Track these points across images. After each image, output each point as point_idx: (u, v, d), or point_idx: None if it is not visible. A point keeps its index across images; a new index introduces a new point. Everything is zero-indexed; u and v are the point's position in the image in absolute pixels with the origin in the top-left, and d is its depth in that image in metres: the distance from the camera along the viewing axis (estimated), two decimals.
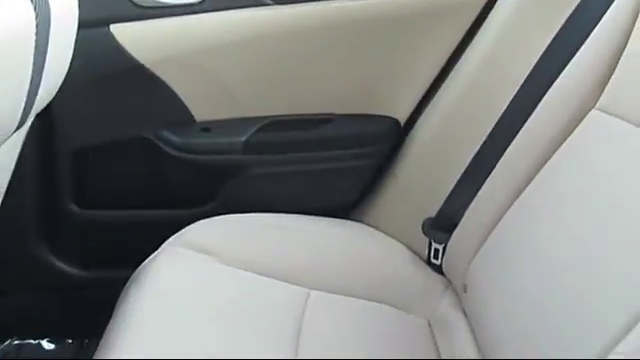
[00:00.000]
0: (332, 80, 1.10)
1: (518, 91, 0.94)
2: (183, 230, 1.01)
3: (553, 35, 0.92)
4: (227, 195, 1.12)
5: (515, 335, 0.77)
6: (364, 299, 0.97)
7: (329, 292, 0.97)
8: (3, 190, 0.92)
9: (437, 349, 0.92)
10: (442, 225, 1.02)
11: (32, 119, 0.76)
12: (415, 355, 0.91)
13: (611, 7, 0.84)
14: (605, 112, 0.80)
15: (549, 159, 0.84)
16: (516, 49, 0.98)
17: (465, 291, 0.92)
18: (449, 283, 1.00)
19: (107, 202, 1.15)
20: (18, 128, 0.68)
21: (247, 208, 1.07)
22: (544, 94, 0.88)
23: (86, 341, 1.22)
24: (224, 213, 1.06)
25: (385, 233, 1.10)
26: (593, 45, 0.84)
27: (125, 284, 0.96)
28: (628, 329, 0.61)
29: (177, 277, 0.93)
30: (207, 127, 1.10)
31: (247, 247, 0.99)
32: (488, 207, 0.91)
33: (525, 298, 0.77)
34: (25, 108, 0.66)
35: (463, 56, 1.05)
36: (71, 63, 0.83)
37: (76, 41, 0.83)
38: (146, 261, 0.97)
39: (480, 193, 0.95)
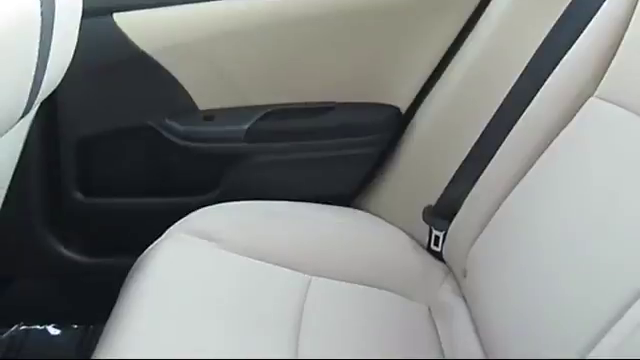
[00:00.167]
0: (333, 69, 1.10)
1: (518, 79, 0.95)
2: (186, 217, 1.02)
3: (552, 24, 0.92)
4: (230, 183, 1.13)
5: (514, 320, 0.78)
6: (365, 285, 0.98)
7: (330, 278, 0.98)
8: (9, 177, 0.94)
9: (437, 334, 0.93)
10: (442, 212, 1.03)
11: (37, 107, 0.77)
12: (416, 340, 0.92)
13: None
14: (604, 99, 0.80)
15: (548, 146, 0.85)
16: (516, 38, 0.98)
17: (465, 277, 0.93)
18: (449, 270, 1.01)
19: (111, 190, 1.16)
20: (24, 115, 0.69)
21: (249, 195, 1.08)
22: (543, 82, 0.88)
23: (91, 326, 1.24)
24: (227, 200, 1.07)
25: (386, 220, 1.11)
26: (592, 33, 0.84)
27: (129, 270, 0.97)
28: (627, 307, 0.62)
29: (180, 263, 0.94)
30: (210, 115, 1.10)
31: (249, 234, 1.00)
32: (488, 194, 0.92)
33: (524, 284, 0.78)
34: (30, 95, 0.66)
35: (463, 45, 1.05)
36: (75, 52, 0.83)
37: (80, 30, 0.84)
38: (150, 247, 0.98)
39: (480, 181, 0.95)
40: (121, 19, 1.04)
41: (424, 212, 1.06)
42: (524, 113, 0.90)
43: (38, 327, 1.25)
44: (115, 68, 1.06)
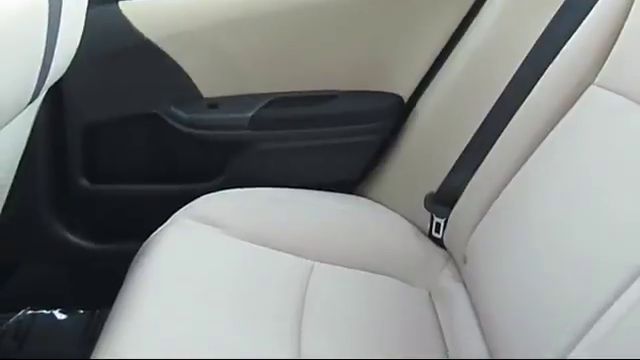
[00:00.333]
0: (336, 57, 1.11)
1: (519, 68, 0.95)
2: (191, 203, 1.03)
3: (553, 13, 0.93)
4: (234, 170, 1.14)
5: (512, 305, 0.79)
6: (367, 271, 0.99)
7: (333, 264, 0.99)
8: (17, 162, 0.95)
9: (437, 319, 0.94)
10: (443, 200, 1.03)
11: (44, 93, 0.78)
12: (416, 324, 0.93)
13: None
14: (604, 87, 0.81)
15: (548, 134, 0.86)
16: (517, 26, 0.99)
17: (465, 263, 0.94)
18: (450, 256, 1.02)
19: (117, 177, 1.17)
20: (32, 101, 0.70)
21: (253, 182, 1.08)
22: (544, 71, 0.89)
23: (97, 311, 1.25)
24: (231, 187, 1.08)
25: (388, 207, 1.12)
26: (593, 22, 0.85)
27: (135, 256, 0.98)
28: (626, 287, 0.64)
29: (185, 248, 0.95)
30: (214, 103, 1.11)
31: (253, 220, 1.01)
32: (488, 182, 0.93)
33: (523, 269, 0.79)
34: (38, 81, 0.67)
35: (465, 34, 1.06)
36: (81, 39, 0.84)
37: (86, 18, 0.85)
38: (155, 233, 0.99)
39: (480, 168, 0.96)
40: (126, 7, 1.05)
41: (425, 199, 1.06)
42: (525, 101, 0.91)
43: (45, 312, 1.27)
44: (120, 56, 1.07)
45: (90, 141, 1.13)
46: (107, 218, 1.19)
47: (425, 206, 1.06)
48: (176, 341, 0.79)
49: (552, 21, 0.93)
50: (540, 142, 0.86)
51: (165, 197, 1.13)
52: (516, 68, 0.96)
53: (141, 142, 1.15)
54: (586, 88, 0.83)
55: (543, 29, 0.94)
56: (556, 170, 0.82)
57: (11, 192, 1.00)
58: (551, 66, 0.89)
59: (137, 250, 0.99)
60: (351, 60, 1.11)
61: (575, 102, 0.84)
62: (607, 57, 0.82)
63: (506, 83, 0.97)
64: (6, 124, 0.67)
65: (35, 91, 0.69)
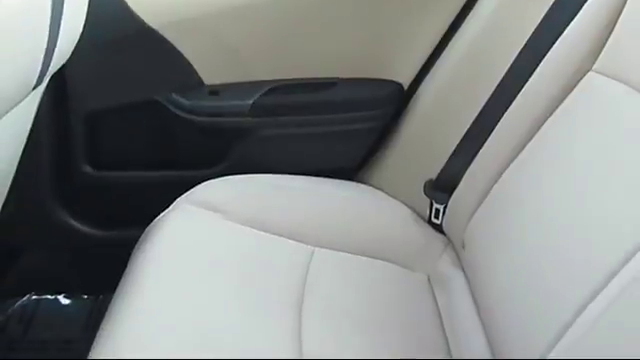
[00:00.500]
0: (337, 45, 1.11)
1: (518, 55, 0.95)
2: (193, 189, 1.04)
3: (552, 0, 0.93)
4: (235, 156, 1.15)
5: (510, 289, 0.80)
6: (367, 256, 1.00)
7: (333, 250, 1.00)
8: (21, 150, 0.96)
9: (436, 304, 0.96)
10: (443, 186, 1.04)
11: (48, 79, 0.79)
12: (415, 309, 0.94)
13: None
14: (602, 74, 0.81)
15: (546, 121, 0.86)
16: (516, 14, 0.99)
17: (463, 248, 0.95)
18: (449, 241, 1.03)
19: (120, 163, 1.18)
20: (36, 86, 0.71)
21: (254, 169, 1.09)
22: (543, 57, 0.90)
23: (101, 296, 1.27)
24: (232, 174, 1.08)
25: (388, 194, 1.13)
26: (591, 8, 0.85)
27: (137, 242, 0.99)
28: (623, 265, 0.64)
29: (187, 233, 0.96)
30: (216, 90, 1.12)
31: (254, 206, 1.02)
32: (487, 168, 0.94)
33: (520, 255, 0.80)
34: (42, 67, 0.68)
35: (465, 21, 1.06)
36: (84, 26, 0.85)
37: (88, 5, 0.85)
38: (157, 218, 1.00)
39: (479, 155, 0.97)
40: None
41: (425, 186, 1.07)
42: (523, 88, 0.92)
43: (49, 297, 1.28)
44: (122, 43, 1.08)
45: (93, 128, 1.14)
46: (110, 204, 1.20)
47: (425, 192, 1.07)
48: (178, 325, 0.80)
49: (550, 8, 0.93)
50: (538, 129, 0.87)
51: (167, 184, 1.15)
52: (515, 55, 0.96)
53: (143, 129, 1.16)
54: (584, 75, 0.83)
55: (542, 16, 0.94)
56: (555, 155, 0.83)
57: (15, 179, 1.01)
58: (549, 53, 0.89)
59: (140, 236, 1.00)
60: (351, 48, 1.12)
61: (573, 89, 0.84)
62: (605, 44, 0.82)
63: (505, 70, 0.97)
64: (11, 109, 0.68)
65: (39, 77, 0.70)
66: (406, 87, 1.14)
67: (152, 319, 0.81)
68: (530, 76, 0.91)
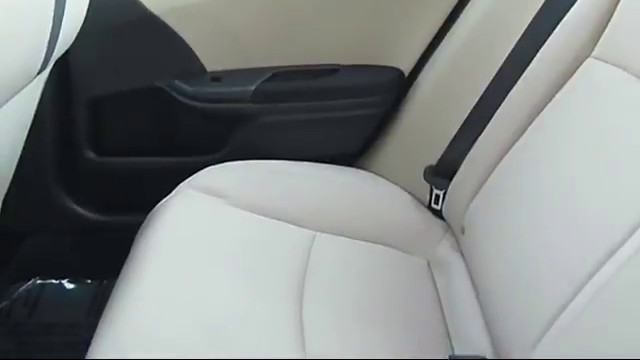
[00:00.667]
0: (338, 32, 1.12)
1: (518, 41, 0.96)
2: (195, 175, 1.04)
3: None
4: (237, 142, 1.16)
5: (508, 273, 0.81)
6: (367, 241, 1.01)
7: (334, 234, 1.01)
8: (25, 136, 0.96)
9: (436, 288, 0.97)
10: (443, 172, 1.05)
11: (52, 64, 0.80)
12: (415, 293, 0.95)
13: None
14: (600, 60, 0.82)
15: (546, 106, 0.87)
16: (516, 0, 1.00)
17: (463, 233, 0.96)
18: (448, 227, 1.04)
19: (122, 149, 1.19)
20: (41, 71, 0.72)
21: (256, 155, 1.10)
22: (542, 44, 0.90)
23: (104, 281, 1.28)
24: (234, 159, 1.09)
25: (388, 180, 1.13)
26: None
27: (140, 227, 1.00)
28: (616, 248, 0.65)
29: (190, 218, 0.97)
30: (217, 77, 1.12)
31: (256, 191, 1.03)
32: (486, 154, 0.94)
33: (518, 239, 0.81)
34: (47, 51, 0.69)
35: (466, 8, 1.07)
36: (87, 12, 0.86)
37: None
38: (160, 203, 1.01)
39: (479, 141, 0.97)
40: None
41: (425, 172, 1.08)
42: (523, 75, 0.92)
43: (53, 281, 1.30)
44: (124, 29, 1.08)
45: (96, 114, 1.15)
46: (113, 190, 1.21)
47: (425, 178, 1.08)
48: (180, 310, 0.81)
49: None
50: (537, 115, 0.87)
51: (169, 169, 1.15)
52: (515, 42, 0.97)
53: (146, 115, 1.17)
54: (583, 61, 0.84)
55: (541, 3, 0.94)
56: (550, 143, 0.84)
57: (19, 164, 1.02)
58: (549, 39, 0.89)
59: (142, 221, 1.01)
60: (352, 34, 1.12)
61: (572, 75, 0.85)
62: (604, 30, 0.83)
63: (505, 57, 0.98)
64: (16, 93, 0.69)
65: (43, 62, 0.71)
66: (407, 73, 1.14)
67: (154, 305, 0.82)
68: (530, 63, 0.91)
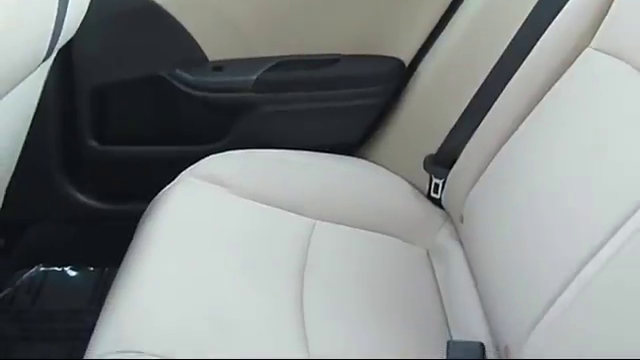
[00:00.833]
0: (339, 21, 1.12)
1: (517, 31, 0.96)
2: (197, 163, 1.05)
3: None
4: (238, 131, 1.16)
5: (506, 261, 0.82)
6: (367, 230, 1.02)
7: (334, 223, 1.01)
8: (28, 123, 0.97)
9: (434, 276, 0.97)
10: (442, 161, 1.06)
11: (56, 52, 0.80)
12: (414, 281, 0.96)
13: None
14: (599, 50, 0.82)
15: (545, 96, 0.87)
16: None
17: (462, 222, 0.97)
18: (447, 216, 1.04)
19: (125, 138, 1.19)
20: (46, 58, 0.72)
21: (257, 144, 1.10)
22: (542, 34, 0.91)
23: (107, 269, 1.29)
24: (235, 148, 1.10)
25: (388, 169, 1.14)
26: None
27: (142, 215, 1.01)
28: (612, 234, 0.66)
29: (191, 206, 0.98)
30: (219, 66, 1.13)
31: (257, 180, 1.03)
32: (486, 143, 0.95)
33: (517, 227, 0.82)
34: (52, 40, 0.70)
35: None
36: (90, 1, 0.86)
37: None
38: (162, 191, 1.02)
39: (478, 130, 0.98)
40: None
41: (425, 161, 1.08)
42: (522, 65, 0.93)
43: (56, 269, 1.31)
44: (127, 18, 1.09)
45: (99, 103, 1.16)
46: (116, 178, 1.22)
47: (424, 167, 1.08)
48: (182, 296, 0.82)
49: None
50: (536, 104, 0.88)
51: (171, 158, 1.16)
52: (515, 32, 0.97)
53: (148, 104, 1.18)
54: (582, 51, 0.84)
55: None
56: (549, 132, 0.84)
57: (23, 153, 1.02)
58: (548, 30, 0.90)
59: (144, 209, 1.01)
60: (353, 24, 1.13)
61: (571, 66, 0.85)
62: (603, 21, 0.83)
63: (505, 46, 0.98)
64: (21, 81, 0.69)
65: (49, 49, 0.71)
66: (407, 63, 1.15)
67: (156, 292, 0.82)
68: (529, 53, 0.92)
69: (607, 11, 0.83)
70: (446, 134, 1.06)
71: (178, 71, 1.13)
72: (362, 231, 1.01)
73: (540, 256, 0.75)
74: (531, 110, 0.89)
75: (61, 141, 1.18)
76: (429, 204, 1.08)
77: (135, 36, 1.11)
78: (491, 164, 0.93)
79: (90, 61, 1.12)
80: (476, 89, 1.02)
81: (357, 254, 0.98)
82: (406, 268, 0.98)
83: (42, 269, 1.30)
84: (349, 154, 1.18)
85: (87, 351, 0.75)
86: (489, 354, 0.78)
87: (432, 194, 1.08)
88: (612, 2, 0.83)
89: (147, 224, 0.95)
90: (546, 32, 0.90)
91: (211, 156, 1.07)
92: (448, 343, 0.79)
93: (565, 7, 0.89)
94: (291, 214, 1.01)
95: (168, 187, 1.02)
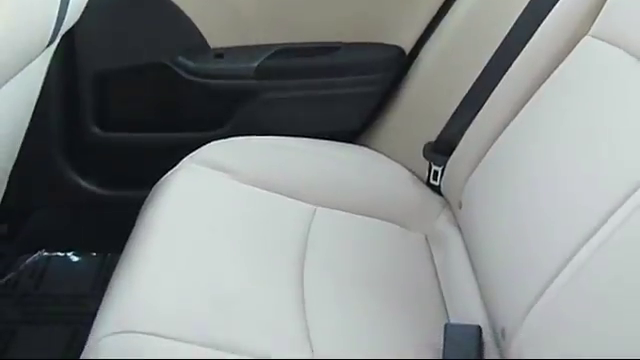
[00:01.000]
0: (340, 9, 1.13)
1: (517, 19, 0.97)
2: (199, 150, 1.06)
3: None
4: (239, 118, 1.17)
5: (504, 246, 0.83)
6: (366, 216, 1.02)
7: (334, 209, 1.02)
8: (32, 109, 0.98)
9: (433, 262, 0.98)
10: (441, 148, 1.06)
11: (60, 37, 0.81)
12: (413, 266, 0.97)
13: None
14: (598, 38, 0.83)
15: (543, 84, 0.88)
16: None
17: (460, 208, 0.98)
18: (446, 202, 1.05)
19: (127, 125, 1.20)
20: (50, 43, 0.73)
21: (258, 131, 1.11)
22: (542, 21, 0.91)
23: (109, 254, 1.30)
24: (237, 135, 1.10)
25: (388, 157, 1.15)
26: None
27: (144, 201, 1.02)
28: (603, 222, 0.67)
29: (193, 191, 0.98)
30: (221, 53, 1.14)
31: (258, 166, 1.04)
32: (484, 130, 0.96)
33: (513, 214, 0.83)
34: (56, 24, 0.70)
35: None
36: None
37: None
38: (164, 177, 1.02)
39: (477, 117, 0.99)
40: None
41: (424, 149, 1.09)
42: (522, 52, 0.93)
43: (59, 254, 1.32)
44: (129, 5, 1.10)
45: (101, 90, 1.17)
46: (118, 165, 1.23)
47: (424, 155, 1.09)
48: (184, 280, 0.82)
49: None
50: (535, 92, 0.89)
51: (173, 145, 1.16)
52: (514, 20, 0.98)
53: (150, 91, 1.18)
54: (581, 39, 0.85)
55: None
56: (547, 120, 0.85)
57: (26, 139, 1.03)
58: (548, 17, 0.91)
59: (146, 195, 1.02)
60: (354, 12, 1.14)
61: (570, 53, 0.86)
62: (602, 8, 0.84)
63: (504, 35, 0.99)
64: (26, 65, 0.70)
65: (53, 33, 0.72)
66: (408, 51, 1.15)
67: (159, 275, 0.83)
68: (529, 40, 0.93)
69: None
70: (445, 122, 1.07)
71: (180, 58, 1.13)
72: (361, 217, 1.02)
73: (536, 241, 0.76)
74: (530, 97, 0.89)
75: (64, 127, 1.19)
76: (428, 191, 1.09)
77: (137, 23, 1.11)
78: (490, 151, 0.93)
79: (92, 48, 1.13)
80: (476, 77, 1.02)
81: (356, 239, 0.99)
82: (405, 253, 0.99)
83: (45, 254, 1.31)
84: (349, 141, 1.19)
85: (90, 334, 0.76)
86: (486, 337, 0.79)
87: (431, 181, 1.09)
88: None
89: (149, 210, 0.96)
90: (545, 19, 0.91)
91: (212, 142, 1.08)
92: (446, 326, 0.80)
93: None
94: (292, 200, 1.01)
95: (170, 173, 1.03)
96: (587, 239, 0.67)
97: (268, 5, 1.12)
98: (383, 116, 1.19)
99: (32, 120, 1.03)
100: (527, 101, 0.90)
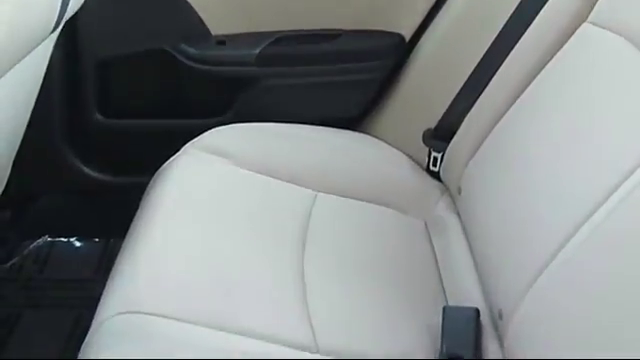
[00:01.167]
0: None
1: (517, 6, 0.98)
2: (201, 136, 1.06)
3: None
4: (241, 105, 1.18)
5: (500, 232, 0.84)
6: (367, 202, 1.03)
7: (334, 195, 1.03)
8: (35, 96, 0.98)
9: (432, 246, 0.99)
10: (441, 135, 1.07)
11: (63, 24, 0.81)
12: (412, 251, 0.98)
13: None
14: (596, 25, 0.84)
15: (542, 70, 0.89)
16: None
17: (459, 194, 0.98)
18: (446, 188, 1.06)
19: (130, 111, 1.21)
20: (54, 30, 0.73)
21: (259, 117, 1.12)
22: (540, 9, 0.92)
23: (112, 240, 1.31)
24: (238, 122, 1.11)
25: (388, 143, 1.15)
26: None
27: (147, 186, 1.02)
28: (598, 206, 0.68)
29: (195, 177, 0.99)
30: (222, 40, 1.14)
31: (259, 152, 1.05)
32: (484, 116, 0.97)
33: (511, 199, 0.84)
34: (60, 11, 0.71)
35: None
36: None
37: None
38: (167, 163, 1.03)
39: (477, 104, 1.00)
40: None
41: (424, 135, 1.10)
42: (521, 39, 0.94)
43: (63, 239, 1.33)
44: None
45: (103, 76, 1.17)
46: (120, 151, 1.24)
47: (424, 141, 1.10)
48: (186, 262, 0.83)
49: None
50: (533, 79, 0.89)
51: (175, 131, 1.16)
52: (513, 8, 0.98)
53: (152, 78, 1.19)
54: (579, 26, 0.86)
55: None
56: (545, 106, 0.86)
57: (29, 125, 1.03)
58: (547, 5, 0.91)
59: (149, 182, 1.03)
60: (355, 0, 1.14)
61: (568, 40, 0.86)
62: None
63: (504, 21, 0.99)
64: (30, 52, 0.70)
65: (57, 20, 0.72)
66: (408, 38, 1.16)
67: (162, 259, 0.84)
68: (528, 27, 0.93)
69: None
70: (445, 108, 1.07)
71: (182, 45, 1.14)
72: (362, 203, 1.03)
73: (533, 226, 0.77)
74: (529, 84, 0.90)
75: (66, 114, 1.19)
76: (428, 177, 1.09)
77: (140, 10, 1.12)
78: (489, 137, 0.94)
79: (95, 35, 1.13)
80: (475, 64, 1.03)
81: (357, 225, 1.00)
82: (404, 238, 1.00)
83: (49, 240, 1.32)
84: (350, 128, 1.19)
85: (95, 316, 0.77)
86: (484, 318, 0.81)
87: (431, 167, 1.09)
88: None
89: (151, 195, 0.97)
90: (544, 7, 0.92)
91: (214, 129, 1.08)
92: (444, 308, 0.81)
93: None
94: (293, 186, 1.02)
95: (172, 159, 1.03)
96: (584, 222, 0.68)
97: None
98: (383, 103, 1.19)
99: (35, 107, 1.03)
100: (526, 87, 0.90)
